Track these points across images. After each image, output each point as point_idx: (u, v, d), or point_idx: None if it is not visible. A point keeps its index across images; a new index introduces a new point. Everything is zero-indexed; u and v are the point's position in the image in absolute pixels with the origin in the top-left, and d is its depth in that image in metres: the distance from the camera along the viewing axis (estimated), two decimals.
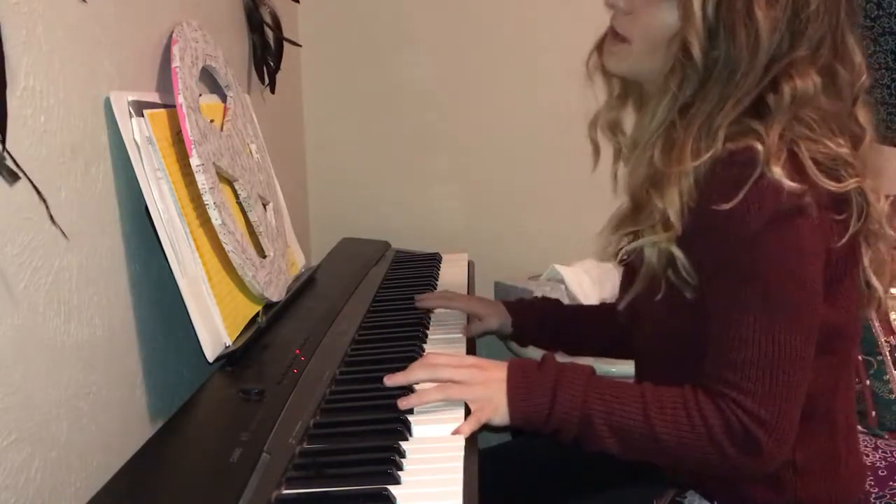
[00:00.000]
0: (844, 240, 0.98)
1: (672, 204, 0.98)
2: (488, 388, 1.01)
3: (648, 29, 1.02)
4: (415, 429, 0.98)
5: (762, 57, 0.95)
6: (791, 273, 0.95)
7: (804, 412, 0.99)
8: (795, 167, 0.95)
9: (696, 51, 0.97)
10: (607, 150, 1.19)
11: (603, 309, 1.48)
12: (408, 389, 1.05)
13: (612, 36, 1.07)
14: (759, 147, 0.94)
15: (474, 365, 1.05)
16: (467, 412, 1.01)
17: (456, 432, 0.96)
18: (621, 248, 1.07)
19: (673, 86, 1.00)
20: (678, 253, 0.99)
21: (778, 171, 0.93)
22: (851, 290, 1.04)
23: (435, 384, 1.03)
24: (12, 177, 0.81)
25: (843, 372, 1.08)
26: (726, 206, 0.93)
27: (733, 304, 0.96)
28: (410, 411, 1.01)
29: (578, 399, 0.99)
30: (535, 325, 1.42)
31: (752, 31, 0.95)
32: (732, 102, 0.97)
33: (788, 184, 0.93)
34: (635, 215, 1.05)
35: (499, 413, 1.01)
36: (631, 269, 1.11)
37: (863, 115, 1.03)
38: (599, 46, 1.12)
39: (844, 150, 0.97)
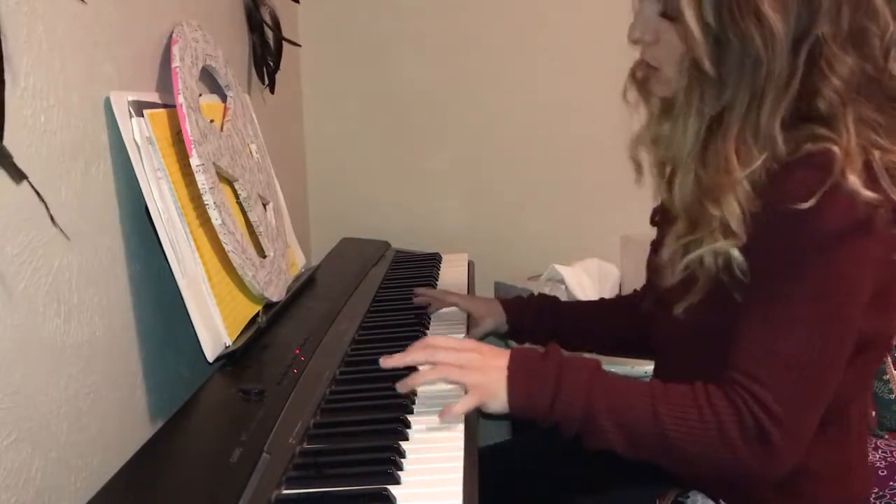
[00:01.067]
0: None
1: (732, 213, 0.95)
2: (487, 373, 1.00)
3: (671, 52, 1.00)
4: (415, 428, 0.98)
5: (782, 44, 0.92)
6: (847, 285, 0.93)
7: (821, 418, 0.98)
8: (870, 176, 0.92)
9: (706, 64, 0.95)
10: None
11: (601, 305, 1.47)
12: (407, 373, 1.05)
13: (647, 67, 1.06)
14: (837, 151, 0.91)
15: (474, 349, 1.03)
16: None
17: (446, 410, 0.95)
18: (684, 263, 1.02)
19: (695, 101, 0.98)
20: (737, 255, 0.96)
21: (854, 180, 0.90)
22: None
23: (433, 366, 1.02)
24: (19, 176, 0.81)
25: (865, 380, 1.07)
26: (796, 208, 0.91)
27: (780, 303, 0.94)
28: (410, 411, 1.01)
29: (582, 391, 0.97)
30: (531, 323, 1.42)
31: (763, 24, 0.92)
32: (771, 100, 0.94)
33: (865, 193, 0.90)
34: (693, 229, 1.02)
35: (497, 399, 0.99)
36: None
37: None
38: (633, 76, 1.11)
39: None
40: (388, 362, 1.04)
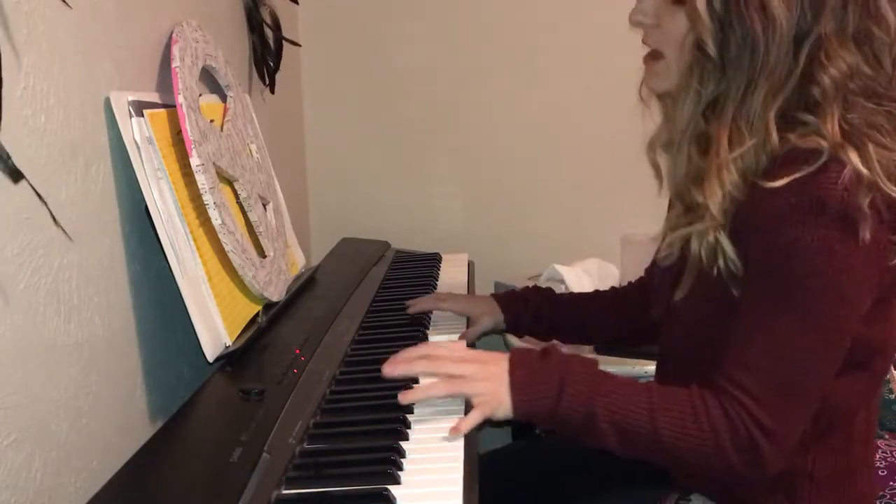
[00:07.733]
0: None
1: (713, 196, 0.96)
2: (492, 382, 0.99)
3: (675, 37, 1.01)
4: (415, 428, 0.98)
5: (783, 38, 0.93)
6: (835, 289, 0.92)
7: (826, 424, 0.99)
8: (860, 169, 0.91)
9: (710, 46, 0.95)
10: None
11: (598, 297, 1.47)
12: (407, 380, 1.04)
13: (649, 56, 1.07)
14: (824, 144, 0.91)
15: (476, 359, 1.03)
16: (467, 408, 1.00)
17: (455, 429, 0.95)
18: (668, 242, 1.05)
19: (694, 83, 0.99)
20: (725, 242, 0.97)
21: (841, 169, 0.90)
22: None
23: (436, 378, 1.02)
24: (16, 176, 0.81)
25: (873, 388, 1.06)
26: (780, 204, 0.91)
27: (767, 308, 0.94)
28: (410, 410, 1.01)
29: (585, 395, 0.98)
30: (528, 317, 1.41)
31: (768, 16, 0.92)
32: (765, 89, 0.94)
33: (852, 180, 0.89)
34: (685, 214, 1.03)
35: (502, 408, 0.99)
36: (676, 268, 1.09)
37: None
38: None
39: None
40: (390, 370, 1.03)
